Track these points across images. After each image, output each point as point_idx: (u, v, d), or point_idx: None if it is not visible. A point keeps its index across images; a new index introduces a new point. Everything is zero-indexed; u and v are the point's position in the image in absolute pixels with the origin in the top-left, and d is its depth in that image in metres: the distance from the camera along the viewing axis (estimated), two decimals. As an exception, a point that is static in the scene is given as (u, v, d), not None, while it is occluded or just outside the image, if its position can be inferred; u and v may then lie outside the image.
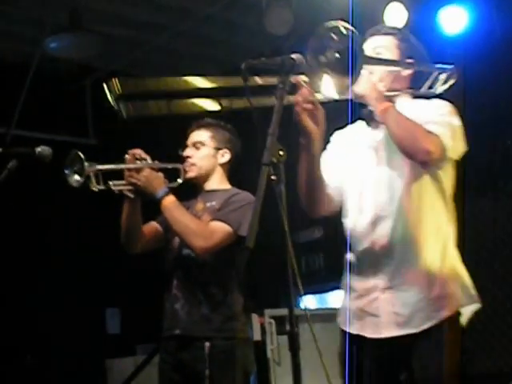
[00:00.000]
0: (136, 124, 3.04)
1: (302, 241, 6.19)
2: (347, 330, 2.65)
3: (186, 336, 3.17)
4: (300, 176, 2.62)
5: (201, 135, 3.37)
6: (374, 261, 2.65)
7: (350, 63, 2.24)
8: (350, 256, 2.70)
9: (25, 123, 5.93)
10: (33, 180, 5.29)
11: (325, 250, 6.34)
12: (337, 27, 2.28)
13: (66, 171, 3.09)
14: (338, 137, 2.86)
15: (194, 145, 3.35)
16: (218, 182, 3.38)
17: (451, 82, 2.73)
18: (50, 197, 5.86)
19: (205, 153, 3.34)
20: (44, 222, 6.04)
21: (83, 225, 6.08)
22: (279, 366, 4.74)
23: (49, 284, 6.02)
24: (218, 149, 3.36)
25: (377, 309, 2.63)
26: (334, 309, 5.88)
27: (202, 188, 3.37)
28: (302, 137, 2.47)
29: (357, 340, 2.64)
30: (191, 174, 3.32)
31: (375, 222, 2.65)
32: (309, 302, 6.24)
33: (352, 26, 2.28)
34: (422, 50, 2.80)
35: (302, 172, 2.61)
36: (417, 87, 2.75)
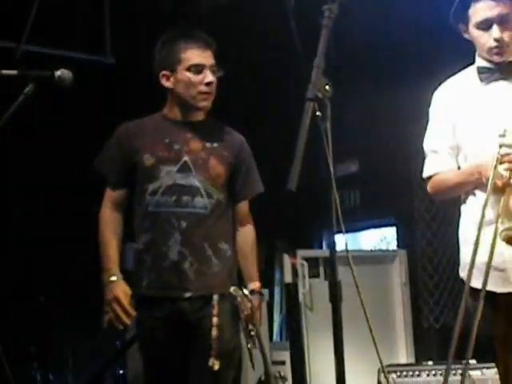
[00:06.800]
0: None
1: (336, 175, 6.08)
2: (470, 285, 2.53)
3: (198, 296, 3.04)
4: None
5: None
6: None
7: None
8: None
9: (36, 38, 5.82)
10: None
11: (361, 186, 6.22)
12: None
13: None
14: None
15: None
16: None
17: None
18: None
19: None
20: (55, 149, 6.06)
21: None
22: (311, 312, 4.75)
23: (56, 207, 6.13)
24: None
25: (503, 263, 2.59)
26: (366, 251, 5.74)
27: None
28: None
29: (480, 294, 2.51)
30: None
31: None
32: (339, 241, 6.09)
33: None
34: None
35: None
36: None
